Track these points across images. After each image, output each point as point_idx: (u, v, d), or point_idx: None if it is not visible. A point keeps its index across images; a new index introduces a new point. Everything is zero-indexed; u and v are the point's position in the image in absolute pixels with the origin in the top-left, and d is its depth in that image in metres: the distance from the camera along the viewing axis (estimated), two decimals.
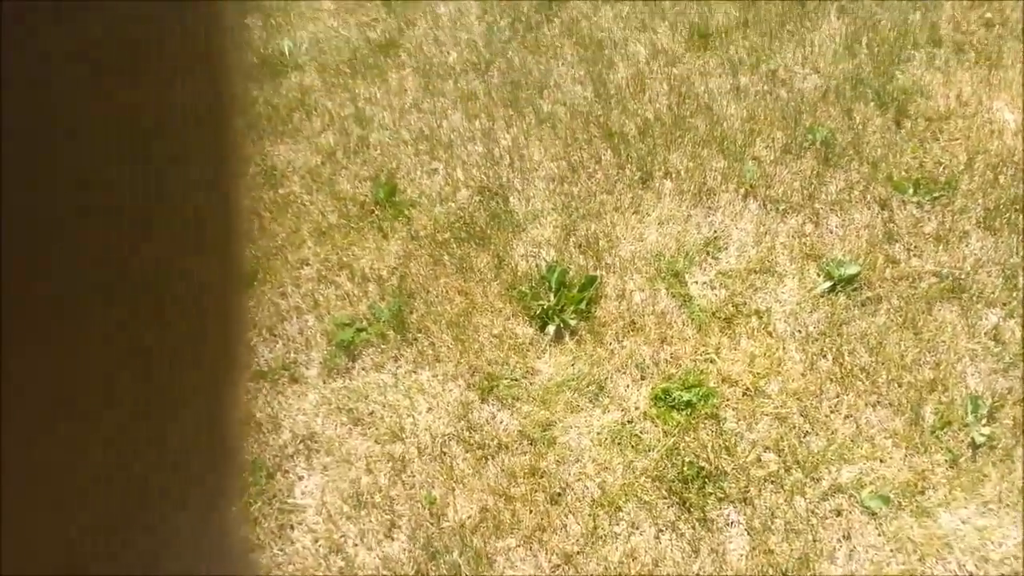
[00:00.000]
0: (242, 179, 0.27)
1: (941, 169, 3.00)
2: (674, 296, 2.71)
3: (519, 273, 2.78)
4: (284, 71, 3.67)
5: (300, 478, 2.31)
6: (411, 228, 2.95)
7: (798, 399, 2.40)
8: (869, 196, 2.95)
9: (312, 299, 2.73)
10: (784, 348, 2.54)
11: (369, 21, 3.95)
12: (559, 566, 2.11)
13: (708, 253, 2.86)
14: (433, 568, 2.11)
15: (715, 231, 2.93)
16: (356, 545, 2.16)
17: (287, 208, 3.04)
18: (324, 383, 2.51)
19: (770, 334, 2.59)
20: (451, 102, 3.48)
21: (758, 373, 2.48)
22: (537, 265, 2.81)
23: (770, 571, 2.04)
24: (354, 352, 2.58)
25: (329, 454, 2.34)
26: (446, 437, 2.36)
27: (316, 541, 2.18)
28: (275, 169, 3.20)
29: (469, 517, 2.20)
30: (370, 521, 2.20)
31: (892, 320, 2.57)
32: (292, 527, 2.21)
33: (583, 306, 2.66)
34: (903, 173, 3.00)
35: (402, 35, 3.85)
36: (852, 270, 2.70)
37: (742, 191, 3.05)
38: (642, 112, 3.39)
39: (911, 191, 2.93)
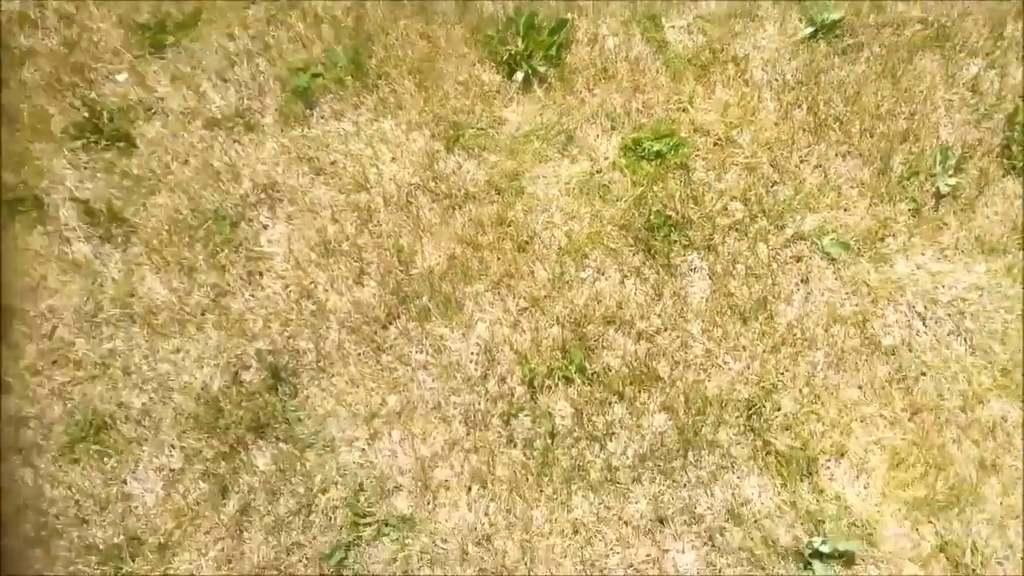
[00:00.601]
0: None
1: None
2: (649, 41, 2.88)
3: (485, 15, 2.91)
4: None
5: (265, 227, 2.56)
6: None
7: (769, 149, 2.66)
8: None
9: (262, 41, 2.86)
10: (759, 97, 2.76)
11: None
12: (526, 309, 2.42)
13: None
14: (404, 311, 2.42)
15: None
16: (327, 291, 2.45)
17: None
18: (282, 131, 2.70)
19: (746, 82, 2.80)
20: None
21: (731, 123, 2.71)
22: (504, 6, 2.94)
23: (728, 312, 2.38)
24: (311, 99, 2.75)
25: (293, 203, 2.58)
26: (412, 187, 2.60)
27: (286, 287, 2.46)
28: None
29: (437, 264, 2.48)
30: (339, 268, 2.48)
31: (871, 69, 2.78)
32: (261, 274, 2.48)
33: (553, 51, 2.83)
34: None
35: None
36: (836, 15, 2.88)
37: None
38: None
39: None
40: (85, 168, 2.66)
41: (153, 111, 2.73)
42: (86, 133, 2.68)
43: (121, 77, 2.77)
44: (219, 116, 2.72)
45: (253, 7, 2.96)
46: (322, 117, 2.73)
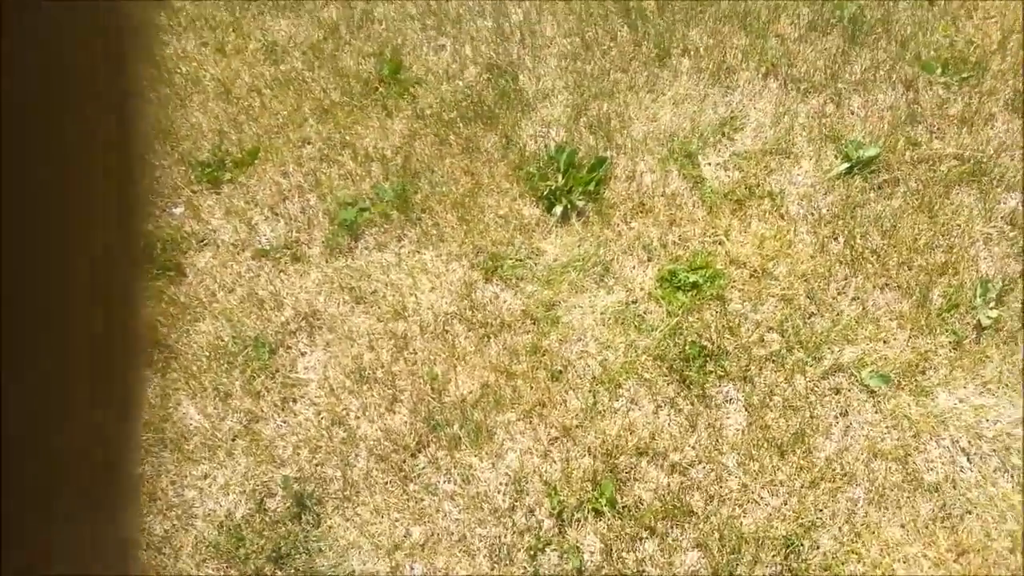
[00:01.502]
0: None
1: (972, 48, 3.05)
2: (686, 177, 2.83)
3: (527, 153, 2.90)
4: None
5: (302, 354, 2.50)
6: (416, 107, 3.07)
7: (806, 281, 2.54)
8: (895, 76, 3.03)
9: (314, 178, 2.87)
10: (795, 230, 2.67)
11: None
12: (557, 439, 2.30)
13: (724, 134, 2.96)
14: (434, 440, 2.31)
15: (732, 111, 3.03)
16: (358, 418, 2.36)
17: (288, 85, 3.15)
18: (326, 262, 2.67)
19: (782, 216, 2.72)
20: None
21: (767, 255, 2.61)
22: (546, 145, 2.93)
23: (765, 445, 2.22)
24: (357, 232, 2.73)
25: (331, 331, 2.53)
26: (449, 316, 2.53)
27: (319, 414, 2.37)
28: (276, 44, 3.30)
29: (470, 392, 2.38)
30: (372, 395, 2.39)
31: (908, 203, 2.68)
32: (295, 400, 2.41)
33: (592, 187, 2.79)
34: (932, 52, 3.06)
35: None
36: (871, 152, 2.80)
37: (763, 69, 3.13)
38: None
39: (939, 71, 3.00)
40: None
41: (205, 242, 2.73)
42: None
43: (177, 210, 2.80)
44: (267, 248, 2.71)
45: (308, 146, 2.99)
46: (366, 248, 2.71)
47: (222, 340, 2.51)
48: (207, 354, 2.49)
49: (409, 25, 3.35)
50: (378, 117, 3.04)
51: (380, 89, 3.12)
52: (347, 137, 2.98)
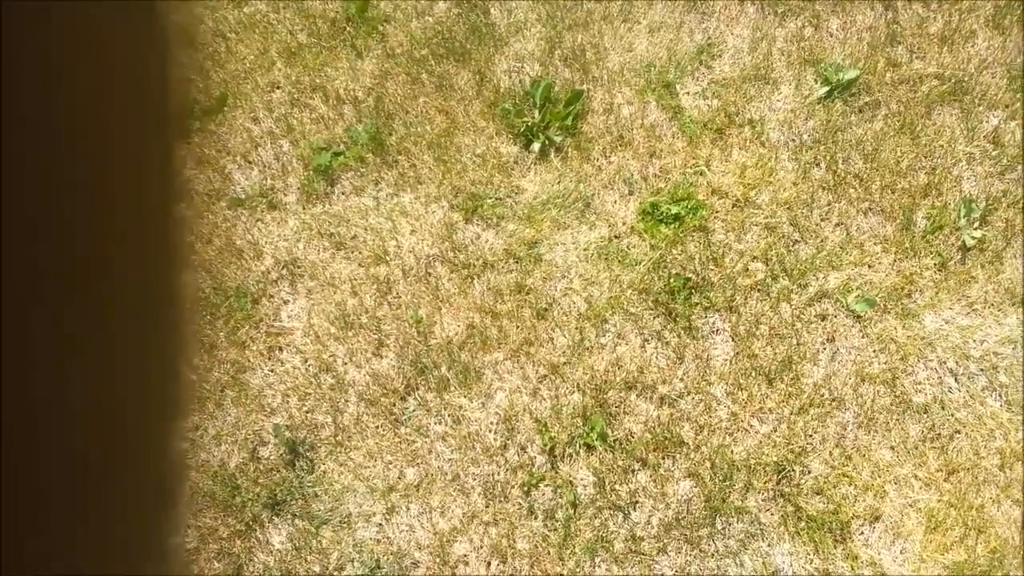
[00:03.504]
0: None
1: None
2: (664, 108, 2.81)
3: (502, 90, 2.87)
4: None
5: (285, 302, 2.49)
6: (386, 45, 3.02)
7: (788, 208, 2.55)
8: None
9: (286, 123, 2.83)
10: (776, 157, 2.67)
11: None
12: (546, 376, 2.31)
13: (701, 61, 2.93)
14: (422, 383, 2.32)
15: (709, 37, 3.00)
16: (345, 364, 2.36)
17: (253, 28, 3.09)
18: (304, 209, 2.65)
19: (763, 144, 2.71)
20: None
21: (749, 184, 2.61)
22: (521, 81, 2.89)
23: (753, 374, 2.25)
24: (333, 176, 2.71)
25: (313, 278, 2.52)
26: (430, 258, 2.52)
27: (305, 361, 2.37)
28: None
29: (456, 334, 2.39)
30: (358, 341, 2.39)
31: (889, 125, 2.68)
32: (281, 349, 2.41)
33: (569, 122, 2.77)
34: None
35: None
36: (851, 75, 2.79)
37: None
38: None
39: None
40: None
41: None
42: None
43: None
44: (242, 196, 2.68)
45: (278, 91, 2.94)
46: (343, 193, 2.68)
47: (203, 292, 2.50)
48: (189, 307, 2.47)
49: None
50: (347, 58, 2.99)
51: (348, 29, 3.07)
52: (317, 80, 2.94)
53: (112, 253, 0.29)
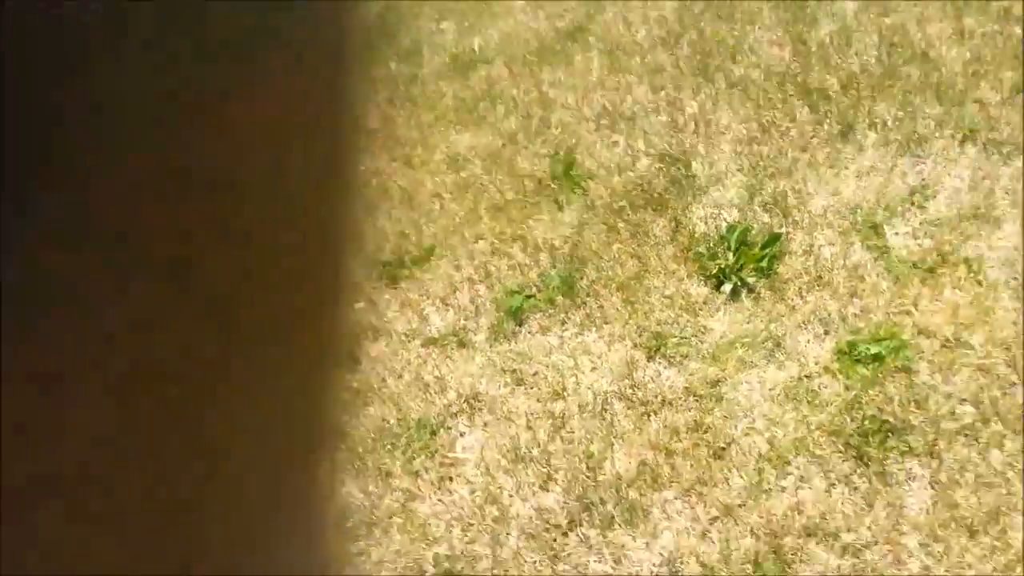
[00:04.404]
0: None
1: None
2: (869, 248, 2.64)
3: (696, 235, 2.82)
4: (473, 66, 3.95)
5: (462, 434, 2.49)
6: (587, 199, 3.08)
7: (1006, 349, 2.26)
8: None
9: (484, 270, 2.93)
10: (995, 296, 2.39)
11: (559, 12, 4.16)
12: (717, 518, 2.12)
13: (913, 203, 2.75)
14: (587, 519, 2.20)
15: (923, 179, 2.82)
16: (511, 496, 2.30)
17: (467, 189, 3.27)
18: (491, 347, 2.68)
19: (979, 283, 2.45)
20: (636, 77, 3.59)
21: (962, 323, 2.35)
22: (717, 226, 2.83)
23: (953, 525, 1.94)
24: (522, 317, 2.73)
25: (491, 412, 2.51)
26: (608, 394, 2.45)
27: (473, 492, 2.33)
28: (458, 155, 3.46)
29: (626, 471, 2.26)
30: (527, 474, 2.33)
31: None
32: (451, 479, 2.38)
33: (764, 263, 2.65)
34: None
35: (590, 20, 4.01)
36: None
37: (959, 136, 2.91)
38: (846, 66, 3.32)
39: None
40: None
41: (379, 332, 2.82)
42: None
43: (358, 306, 2.92)
44: (436, 335, 2.76)
45: (481, 241, 3.06)
46: (530, 332, 2.70)
47: (388, 422, 2.56)
48: (372, 436, 2.53)
49: (584, 126, 3.41)
50: (549, 211, 3.08)
51: (552, 186, 3.17)
52: (518, 231, 3.04)
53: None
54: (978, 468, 2.02)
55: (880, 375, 2.29)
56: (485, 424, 2.48)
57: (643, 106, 3.42)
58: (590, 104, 3.51)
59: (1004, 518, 1.92)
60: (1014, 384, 2.17)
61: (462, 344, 2.72)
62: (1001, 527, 1.91)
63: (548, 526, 2.21)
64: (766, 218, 2.82)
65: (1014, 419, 2.10)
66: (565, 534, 2.19)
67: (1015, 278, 2.42)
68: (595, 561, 2.12)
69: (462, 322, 2.79)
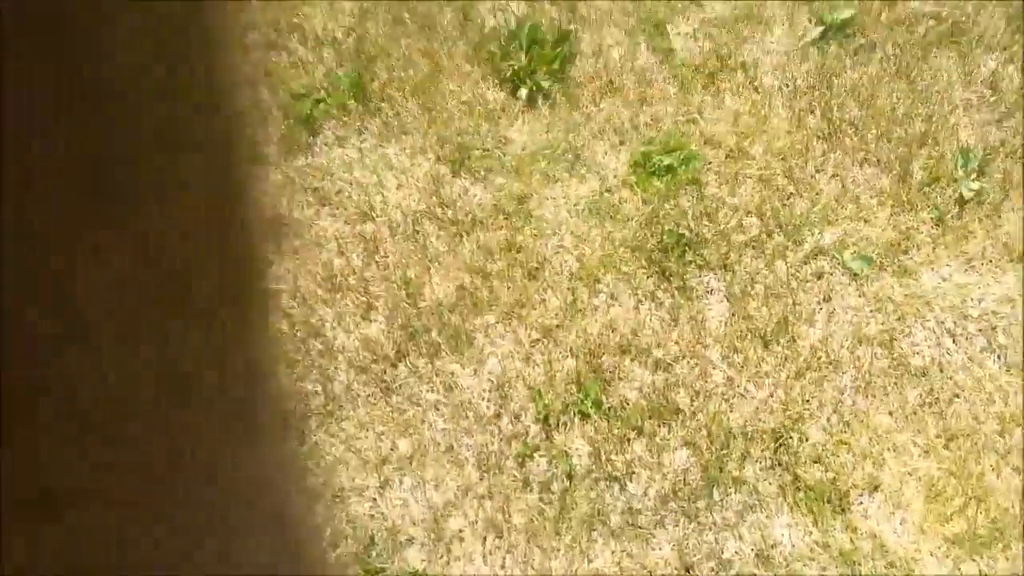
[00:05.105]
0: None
1: None
2: (655, 50, 2.62)
3: (487, 29, 2.66)
4: None
5: (270, 263, 2.32)
6: None
7: (783, 159, 2.40)
8: None
9: (262, 68, 2.61)
10: (770, 104, 2.50)
11: None
12: (538, 340, 2.18)
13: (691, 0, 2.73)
14: (413, 348, 2.18)
15: None
16: (334, 328, 2.22)
17: None
18: (285, 160, 2.46)
19: (756, 89, 2.54)
20: None
21: (742, 133, 2.45)
22: (506, 19, 2.68)
23: (749, 336, 2.13)
24: (315, 126, 2.51)
25: (298, 237, 2.35)
26: (418, 214, 2.36)
27: (293, 326, 2.23)
28: None
29: (446, 296, 2.24)
30: (346, 303, 2.24)
31: (885, 70, 2.51)
32: (269, 311, 2.25)
33: (556, 66, 2.57)
34: None
35: None
36: (846, 14, 2.60)
37: None
38: None
39: None
40: None
41: None
42: None
43: None
44: None
45: (254, 31, 2.71)
46: (326, 144, 2.49)
47: None
48: None
49: None
50: None
51: None
52: (293, 19, 2.71)
53: None
54: (766, 280, 2.20)
55: (673, 188, 2.36)
56: (294, 251, 2.33)
57: None
58: None
59: (792, 328, 2.13)
60: (792, 195, 2.33)
61: (253, 160, 2.47)
62: (790, 336, 2.12)
63: (376, 357, 2.17)
64: (554, 12, 2.70)
65: (793, 230, 2.27)
66: (394, 365, 2.17)
67: (787, 84, 2.52)
68: (427, 391, 2.14)
69: (249, 130, 2.51)
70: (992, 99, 2.44)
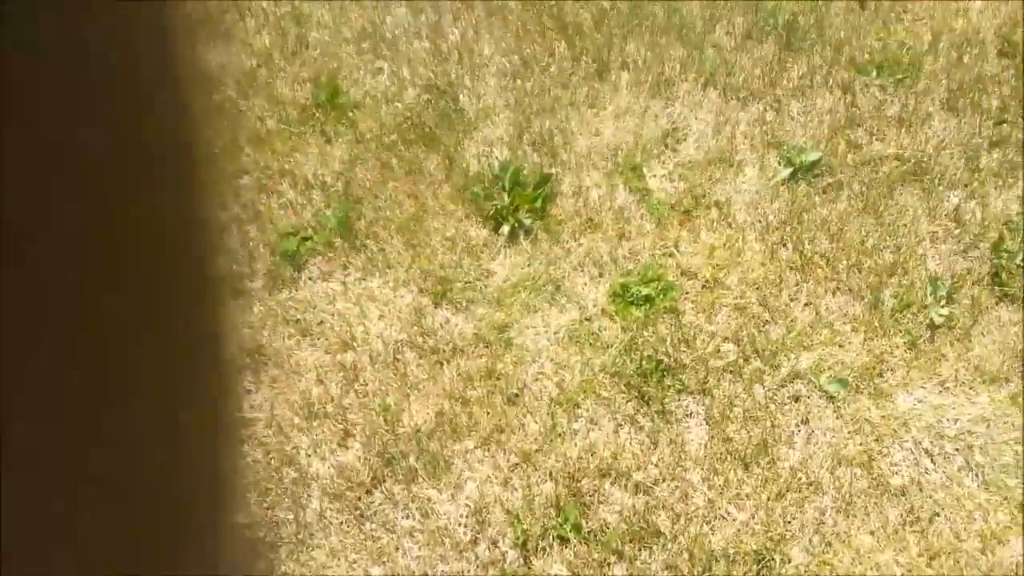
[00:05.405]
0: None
1: (905, 50, 3.00)
2: (632, 191, 2.73)
3: (471, 174, 2.78)
4: None
5: (248, 392, 2.34)
6: (356, 131, 2.93)
7: (757, 289, 2.46)
8: (831, 80, 2.96)
9: (252, 209, 2.72)
10: (744, 238, 2.58)
11: None
12: (517, 464, 2.17)
13: (667, 145, 2.87)
14: (389, 474, 2.17)
15: (674, 122, 2.94)
16: (309, 455, 2.21)
17: (221, 115, 3.00)
18: (269, 295, 2.52)
19: (730, 225, 2.63)
20: None
21: (718, 264, 2.52)
22: (490, 164, 2.81)
23: (729, 458, 2.12)
24: (300, 262, 2.59)
25: (278, 367, 2.38)
26: (399, 343, 2.40)
27: (268, 454, 2.22)
28: (207, 75, 3.14)
29: (425, 422, 2.25)
30: (323, 431, 2.25)
31: (853, 206, 2.61)
32: (241, 441, 2.25)
33: (538, 204, 2.68)
34: (866, 56, 3.00)
35: None
36: (813, 156, 2.73)
37: (702, 80, 3.05)
38: (597, 1, 3.35)
39: (874, 74, 2.94)
40: None
41: None
42: None
43: None
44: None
45: (245, 177, 2.84)
46: (310, 279, 2.56)
47: None
48: None
49: (344, 49, 3.21)
50: (317, 143, 2.90)
51: (317, 115, 2.98)
52: (285, 165, 2.84)
53: None
54: (744, 403, 2.21)
55: (652, 316, 2.41)
56: (272, 380, 2.35)
57: (405, 29, 3.28)
58: (348, 24, 3.31)
59: (771, 449, 2.13)
60: (767, 323, 2.38)
61: (237, 292, 2.53)
62: (770, 458, 2.11)
63: (351, 484, 2.15)
64: (536, 157, 2.83)
65: (769, 355, 2.30)
66: (369, 492, 2.15)
67: (759, 220, 2.62)
68: (403, 517, 2.11)
69: (234, 268, 2.59)
70: (957, 231, 2.53)
